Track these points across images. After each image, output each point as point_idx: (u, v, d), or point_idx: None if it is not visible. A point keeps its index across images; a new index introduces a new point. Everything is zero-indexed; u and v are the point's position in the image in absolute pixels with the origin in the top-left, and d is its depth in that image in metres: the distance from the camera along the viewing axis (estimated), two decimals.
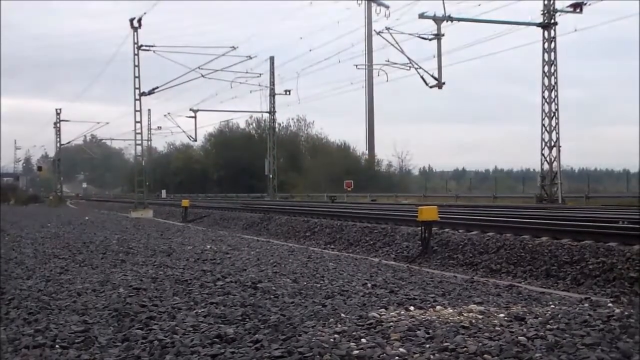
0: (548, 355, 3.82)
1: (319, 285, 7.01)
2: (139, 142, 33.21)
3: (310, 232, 16.97)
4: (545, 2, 28.25)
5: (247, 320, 5.08)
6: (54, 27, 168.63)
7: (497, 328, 4.55)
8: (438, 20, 25.59)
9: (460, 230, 12.60)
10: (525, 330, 4.47)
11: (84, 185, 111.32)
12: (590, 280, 8.69)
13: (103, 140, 75.55)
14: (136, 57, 31.49)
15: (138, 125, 32.45)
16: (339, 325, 4.71)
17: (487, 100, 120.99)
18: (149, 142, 69.02)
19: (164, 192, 62.42)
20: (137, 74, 31.65)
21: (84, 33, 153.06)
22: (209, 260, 9.56)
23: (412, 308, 5.43)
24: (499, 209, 20.80)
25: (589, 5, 26.84)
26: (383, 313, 5.15)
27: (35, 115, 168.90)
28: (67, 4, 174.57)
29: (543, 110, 29.06)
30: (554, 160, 29.07)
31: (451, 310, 5.26)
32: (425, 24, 27.18)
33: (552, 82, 28.80)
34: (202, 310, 5.53)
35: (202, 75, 33.81)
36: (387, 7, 28.61)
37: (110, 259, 10.00)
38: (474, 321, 4.78)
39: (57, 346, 4.45)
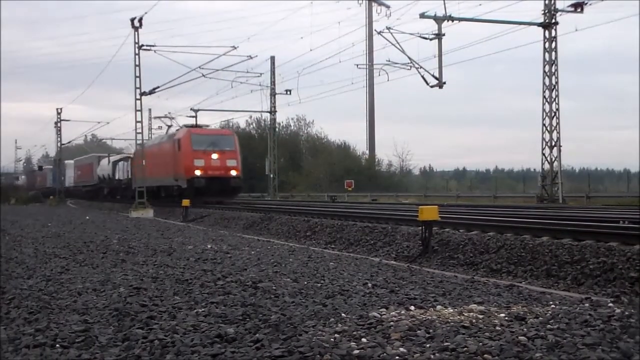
0: (548, 355, 3.83)
1: (320, 284, 7.01)
2: (140, 141, 33.20)
3: (310, 232, 16.95)
4: (546, 1, 28.25)
5: (248, 319, 5.08)
6: (54, 26, 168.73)
7: (497, 328, 4.56)
8: (439, 19, 25.61)
9: (460, 230, 12.59)
10: (525, 330, 4.47)
11: None
12: (591, 280, 8.68)
13: (103, 140, 75.49)
14: (137, 56, 31.49)
15: (139, 125, 32.47)
16: (340, 325, 4.71)
17: (488, 101, 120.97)
18: None
19: None
20: (137, 74, 31.65)
21: (84, 33, 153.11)
22: (210, 260, 9.57)
23: (412, 308, 5.44)
24: (500, 208, 20.79)
25: (590, 4, 26.85)
26: (383, 313, 5.16)
27: (36, 114, 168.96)
28: (67, 4, 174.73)
29: (544, 110, 29.07)
30: (555, 159, 29.06)
31: (452, 310, 5.27)
32: (426, 24, 27.25)
33: (553, 82, 28.80)
34: (203, 309, 5.53)
35: (203, 75, 33.83)
36: (387, 6, 28.61)
37: (110, 258, 10.01)
38: (474, 321, 4.79)
39: (57, 345, 4.45)
